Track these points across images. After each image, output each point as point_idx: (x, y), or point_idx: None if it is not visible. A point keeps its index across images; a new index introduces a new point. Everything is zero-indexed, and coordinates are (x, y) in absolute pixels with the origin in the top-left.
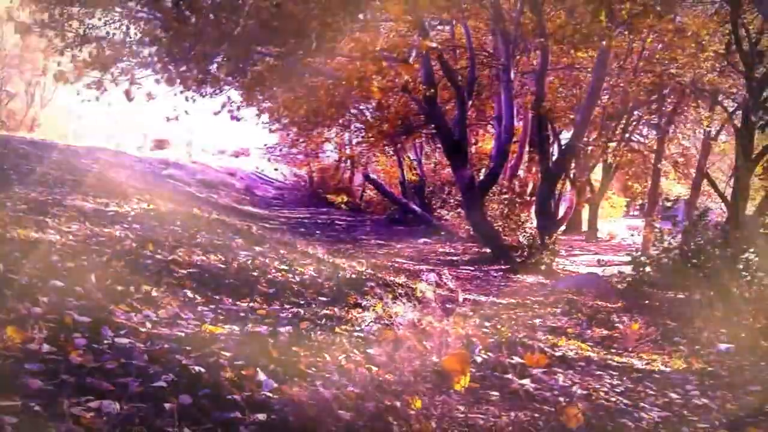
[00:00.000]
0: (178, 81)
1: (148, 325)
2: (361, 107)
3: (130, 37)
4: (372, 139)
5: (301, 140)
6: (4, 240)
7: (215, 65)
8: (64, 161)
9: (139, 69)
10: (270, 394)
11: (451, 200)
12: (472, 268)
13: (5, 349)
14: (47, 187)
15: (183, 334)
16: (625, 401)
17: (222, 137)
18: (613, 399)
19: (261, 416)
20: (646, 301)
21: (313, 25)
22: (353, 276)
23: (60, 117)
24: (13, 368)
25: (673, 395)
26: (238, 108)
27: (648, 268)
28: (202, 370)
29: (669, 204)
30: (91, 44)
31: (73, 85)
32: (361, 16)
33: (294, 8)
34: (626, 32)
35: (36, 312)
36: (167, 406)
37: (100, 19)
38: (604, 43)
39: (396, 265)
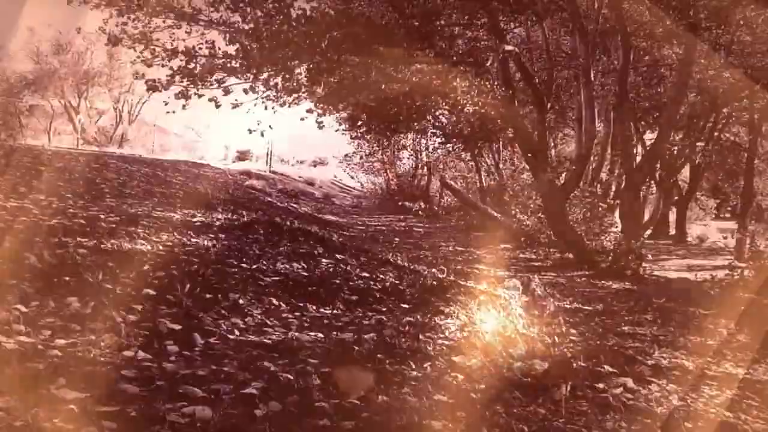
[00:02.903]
0: (263, 90)
1: (237, 332)
2: (437, 113)
3: (215, 50)
4: (450, 145)
5: (378, 148)
6: (99, 251)
7: (299, 75)
8: (151, 174)
9: (226, 76)
10: (358, 402)
11: (532, 205)
12: (554, 274)
13: (103, 356)
14: (137, 199)
15: (270, 342)
16: (725, 412)
17: (301, 147)
18: (713, 410)
19: (349, 424)
20: (743, 307)
21: (398, 33)
22: (434, 283)
23: (147, 132)
24: (111, 374)
25: None
26: (323, 113)
27: (746, 273)
28: (291, 377)
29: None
30: (178, 57)
31: (162, 93)
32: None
33: (379, 20)
34: (714, 25)
35: (131, 320)
36: (258, 412)
37: (187, 32)
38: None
39: (477, 271)
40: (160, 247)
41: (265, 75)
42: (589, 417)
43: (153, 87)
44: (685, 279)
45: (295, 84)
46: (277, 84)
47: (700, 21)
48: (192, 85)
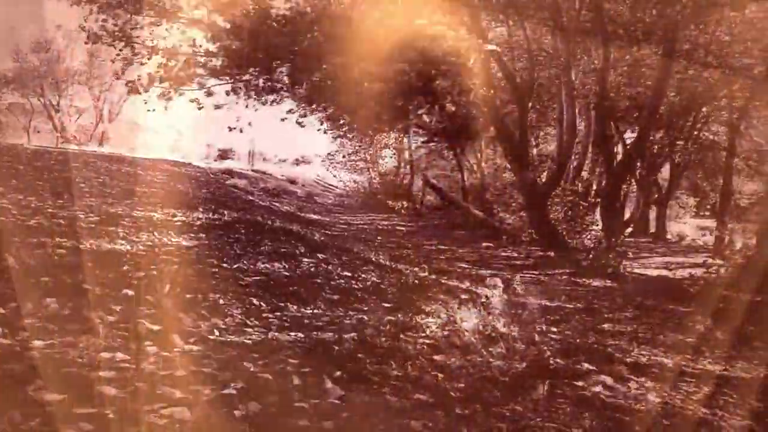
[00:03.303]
0: (244, 90)
1: (216, 332)
2: (420, 112)
3: (197, 48)
4: (433, 144)
5: (361, 146)
6: (77, 251)
7: (281, 75)
8: (132, 173)
9: (207, 78)
10: (337, 402)
11: (513, 203)
12: (536, 272)
13: (81, 357)
14: (117, 198)
15: (250, 342)
16: (703, 409)
17: (283, 146)
18: (691, 407)
19: (328, 424)
20: (721, 305)
21: (379, 33)
22: (416, 282)
23: (128, 130)
24: (89, 376)
25: (755, 403)
26: (304, 115)
27: (722, 270)
28: (270, 377)
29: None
30: (158, 54)
31: (142, 94)
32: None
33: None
34: (693, 25)
35: (109, 321)
36: (237, 413)
37: (167, 30)
38: (669, 36)
39: (459, 270)
40: (140, 247)
41: (247, 76)
42: (568, 415)
43: (133, 90)
44: (665, 277)
45: (277, 84)
46: (258, 84)
47: (678, 21)
48: (173, 88)
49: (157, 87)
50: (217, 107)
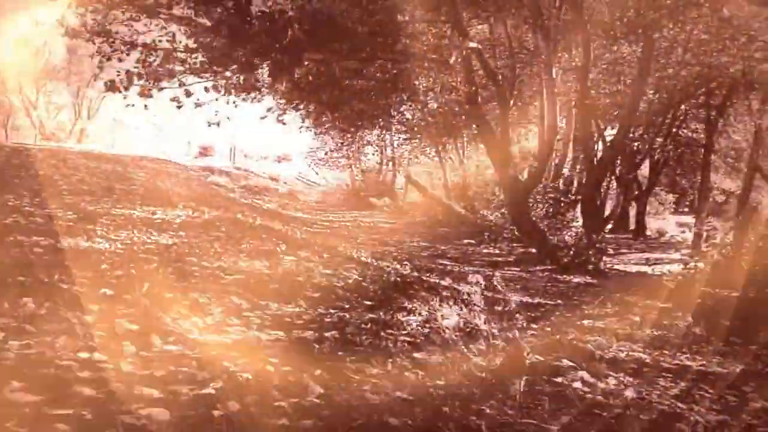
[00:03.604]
0: (224, 88)
1: (196, 331)
2: (402, 109)
3: (176, 44)
4: (415, 141)
5: (343, 143)
6: (55, 250)
7: (262, 71)
8: (111, 170)
9: (187, 75)
10: (317, 400)
11: (495, 200)
12: (517, 269)
13: (58, 358)
14: (96, 196)
15: (230, 341)
16: (679, 404)
17: (265, 143)
18: (667, 402)
19: (308, 422)
20: (699, 300)
21: (360, 31)
22: (398, 279)
23: (107, 127)
24: (66, 377)
25: (730, 398)
26: (284, 111)
27: (700, 266)
28: (250, 376)
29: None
30: (137, 49)
31: (122, 93)
32: (400, 17)
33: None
34: (671, 24)
35: (87, 321)
36: (216, 413)
37: (146, 25)
38: (648, 35)
39: (441, 267)
40: (119, 246)
41: (228, 73)
42: (546, 411)
43: (112, 88)
44: (644, 273)
45: (257, 82)
46: (239, 82)
47: (657, 20)
48: (153, 85)
49: (137, 84)
50: (198, 105)
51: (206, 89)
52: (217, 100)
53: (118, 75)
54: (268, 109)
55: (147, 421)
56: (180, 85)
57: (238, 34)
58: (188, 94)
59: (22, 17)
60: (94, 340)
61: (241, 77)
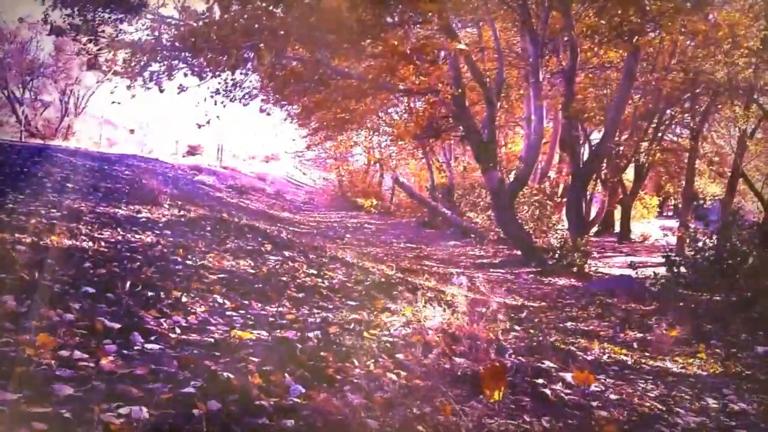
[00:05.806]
0: (209, 73)
1: (178, 330)
2: (389, 110)
3: (163, 44)
4: (401, 142)
5: (330, 143)
6: (37, 247)
7: (249, 72)
8: (97, 168)
9: (175, 74)
10: (298, 400)
11: (481, 203)
12: (502, 271)
13: (37, 356)
14: (81, 194)
15: (212, 340)
16: (659, 406)
17: (252, 143)
18: (648, 404)
19: (289, 422)
20: (681, 303)
21: (349, 20)
22: (382, 280)
23: (94, 125)
24: (45, 375)
25: (710, 400)
26: (271, 113)
27: (683, 269)
28: (231, 375)
29: (704, 204)
30: (123, 48)
31: (109, 84)
32: (389, 19)
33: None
34: (657, 30)
35: (68, 318)
36: (196, 412)
37: (131, 25)
38: (634, 41)
39: (426, 268)
40: (103, 244)
41: (217, 73)
42: (528, 413)
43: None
44: (628, 276)
45: (245, 81)
46: (226, 81)
47: (643, 25)
48: (139, 84)
49: (122, 81)
50: (181, 90)
51: (185, 74)
52: (205, 100)
53: (107, 62)
54: (261, 110)
55: (126, 419)
56: (168, 76)
57: (225, 35)
58: (180, 90)
59: (10, 13)
60: (74, 338)
61: (229, 77)
